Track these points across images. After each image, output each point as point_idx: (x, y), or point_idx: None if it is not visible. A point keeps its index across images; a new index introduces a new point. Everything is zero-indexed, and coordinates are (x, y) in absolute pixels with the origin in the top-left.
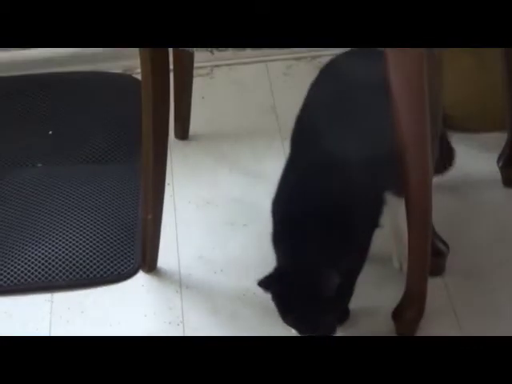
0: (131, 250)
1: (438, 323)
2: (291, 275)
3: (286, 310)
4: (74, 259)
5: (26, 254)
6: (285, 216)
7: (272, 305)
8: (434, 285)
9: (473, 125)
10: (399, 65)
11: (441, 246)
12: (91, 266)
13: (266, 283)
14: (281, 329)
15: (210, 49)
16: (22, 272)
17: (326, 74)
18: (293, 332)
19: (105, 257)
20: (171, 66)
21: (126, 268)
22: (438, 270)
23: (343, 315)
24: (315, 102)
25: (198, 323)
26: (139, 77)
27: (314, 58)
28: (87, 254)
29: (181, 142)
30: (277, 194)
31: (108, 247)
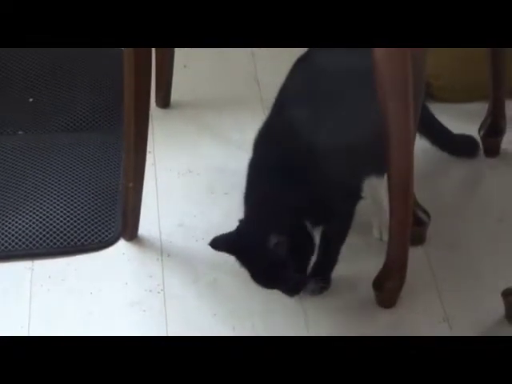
0: (112, 218)
1: (418, 293)
2: (245, 238)
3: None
4: (54, 227)
5: (6, 221)
6: (255, 180)
7: None
8: (414, 254)
9: (455, 95)
10: (385, 61)
11: (422, 215)
12: (72, 234)
13: (218, 243)
14: (260, 297)
15: None
16: (3, 239)
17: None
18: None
19: (86, 225)
20: None
21: (106, 236)
22: (418, 239)
23: (324, 284)
24: (296, 85)
25: (179, 291)
26: None
27: None
28: (68, 221)
29: (162, 111)
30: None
31: (89, 215)
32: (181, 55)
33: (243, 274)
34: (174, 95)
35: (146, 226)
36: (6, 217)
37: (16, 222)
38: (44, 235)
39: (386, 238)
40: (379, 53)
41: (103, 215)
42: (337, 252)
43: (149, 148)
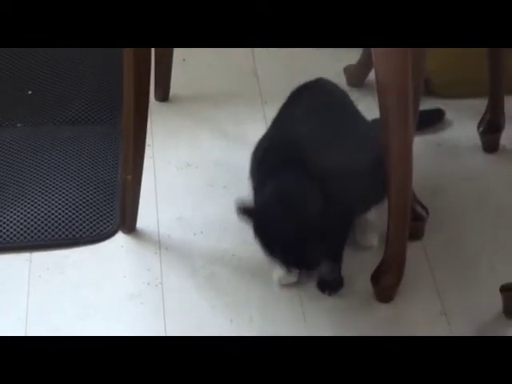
0: (111, 211)
1: (416, 288)
2: (275, 205)
3: (271, 242)
4: (53, 219)
5: (4, 213)
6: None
7: (250, 267)
8: (413, 249)
9: (454, 91)
10: (385, 61)
11: (420, 210)
12: (70, 226)
13: (248, 212)
14: (258, 290)
15: None
16: (1, 231)
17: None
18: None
19: (84, 217)
20: None
21: (105, 228)
22: (417, 234)
23: (337, 284)
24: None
25: (177, 284)
26: None
27: None
28: (67, 213)
29: (161, 104)
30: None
31: (88, 207)
32: (180, 49)
33: (241, 267)
34: (173, 89)
35: (144, 219)
36: (4, 209)
37: (14, 215)
38: (42, 227)
39: (375, 243)
40: (379, 53)
41: (102, 208)
42: (340, 254)
43: (147, 141)
